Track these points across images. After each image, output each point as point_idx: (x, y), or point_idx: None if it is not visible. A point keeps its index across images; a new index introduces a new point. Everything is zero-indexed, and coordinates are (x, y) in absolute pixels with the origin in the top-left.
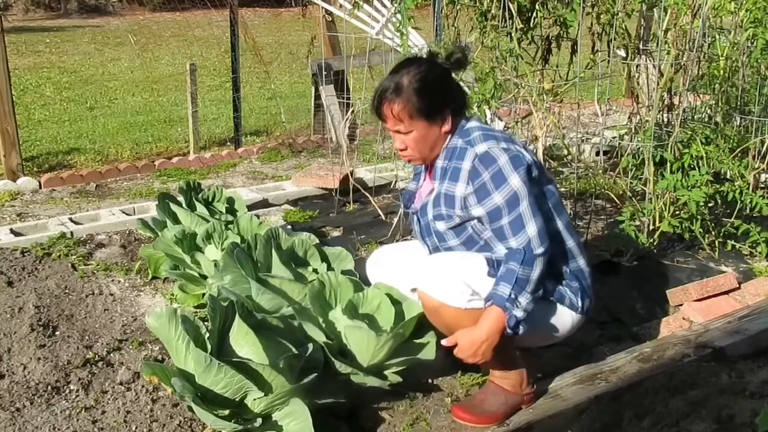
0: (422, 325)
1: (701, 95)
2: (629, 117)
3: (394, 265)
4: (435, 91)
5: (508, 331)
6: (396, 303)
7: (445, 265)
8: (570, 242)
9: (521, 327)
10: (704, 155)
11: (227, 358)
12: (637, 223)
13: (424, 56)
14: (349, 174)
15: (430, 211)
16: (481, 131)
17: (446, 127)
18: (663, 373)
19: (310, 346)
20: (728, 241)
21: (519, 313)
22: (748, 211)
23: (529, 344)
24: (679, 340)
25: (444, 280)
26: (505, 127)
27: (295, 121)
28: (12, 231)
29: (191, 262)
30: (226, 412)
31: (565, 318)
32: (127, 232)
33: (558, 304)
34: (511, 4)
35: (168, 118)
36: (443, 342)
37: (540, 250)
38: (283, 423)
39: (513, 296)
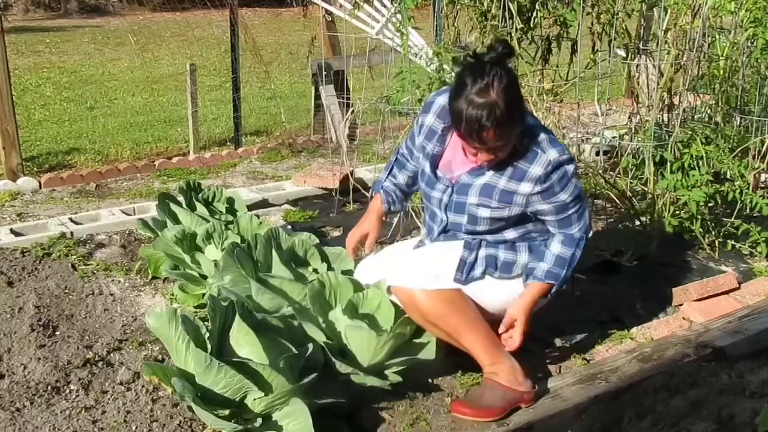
0: None
1: (701, 95)
2: (629, 117)
3: (380, 268)
4: (518, 96)
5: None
6: (396, 303)
7: (408, 260)
8: None
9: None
10: (704, 155)
11: (227, 358)
12: (637, 223)
13: (485, 60)
14: (349, 174)
15: (473, 196)
16: (544, 133)
17: (520, 129)
18: (663, 373)
19: (310, 346)
20: (728, 241)
21: (562, 283)
22: (748, 211)
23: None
24: (679, 340)
25: (407, 269)
26: None
27: (295, 121)
28: (12, 231)
29: (191, 262)
30: (226, 412)
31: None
32: (127, 232)
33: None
34: (511, 4)
35: (168, 118)
36: (501, 330)
37: (590, 234)
38: (283, 423)
39: (566, 276)
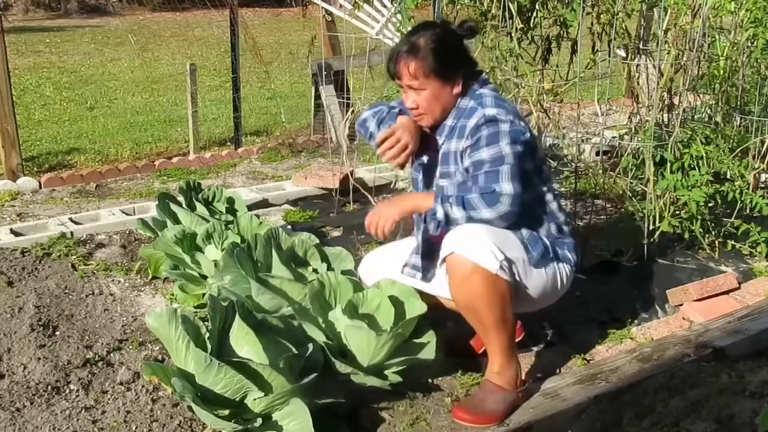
0: (422, 325)
1: (701, 95)
2: (629, 117)
3: (391, 261)
4: (449, 53)
5: (418, 217)
6: (396, 303)
7: (475, 232)
8: (553, 205)
9: (429, 228)
10: (704, 155)
11: (227, 358)
12: (637, 223)
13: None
14: (349, 174)
15: (438, 169)
16: (494, 98)
17: (457, 90)
18: (663, 373)
19: (310, 346)
20: (728, 241)
21: (440, 215)
22: (748, 211)
23: (538, 306)
24: (679, 340)
25: (476, 243)
26: None
27: (295, 121)
28: (12, 231)
29: (191, 262)
30: (226, 412)
31: (565, 273)
32: (127, 232)
33: (558, 263)
34: (511, 4)
35: (168, 118)
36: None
37: (506, 207)
38: (283, 423)
39: (450, 202)
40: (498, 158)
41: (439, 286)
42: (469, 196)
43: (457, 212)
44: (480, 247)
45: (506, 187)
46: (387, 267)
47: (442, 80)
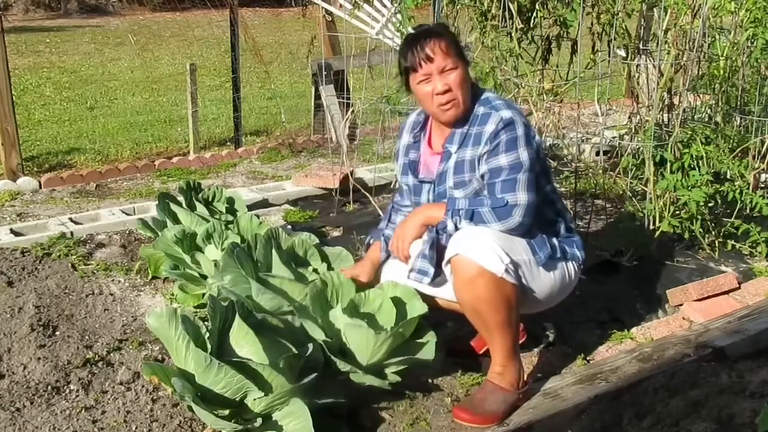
0: (422, 325)
1: (701, 95)
2: (629, 117)
3: (394, 261)
4: (457, 39)
5: (432, 230)
6: (398, 303)
7: (481, 234)
8: (559, 204)
9: (442, 237)
10: (704, 155)
11: (227, 358)
12: (637, 223)
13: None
14: (349, 174)
15: (449, 179)
16: (502, 100)
17: (470, 77)
18: (663, 373)
19: (310, 346)
20: (728, 241)
21: (450, 229)
22: (748, 211)
23: (545, 306)
24: (679, 340)
25: (482, 246)
26: None
27: (295, 121)
28: (12, 231)
29: (191, 262)
30: (226, 412)
31: (573, 272)
32: (127, 232)
33: (565, 262)
34: (511, 4)
35: (168, 118)
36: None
37: (518, 219)
38: (283, 423)
39: (461, 215)
40: (516, 165)
41: (444, 289)
42: (480, 209)
43: (466, 226)
44: (486, 250)
45: (522, 197)
46: (390, 267)
47: (465, 62)
